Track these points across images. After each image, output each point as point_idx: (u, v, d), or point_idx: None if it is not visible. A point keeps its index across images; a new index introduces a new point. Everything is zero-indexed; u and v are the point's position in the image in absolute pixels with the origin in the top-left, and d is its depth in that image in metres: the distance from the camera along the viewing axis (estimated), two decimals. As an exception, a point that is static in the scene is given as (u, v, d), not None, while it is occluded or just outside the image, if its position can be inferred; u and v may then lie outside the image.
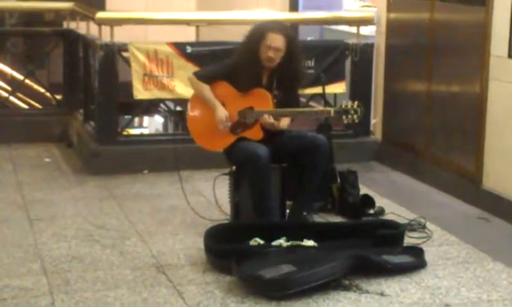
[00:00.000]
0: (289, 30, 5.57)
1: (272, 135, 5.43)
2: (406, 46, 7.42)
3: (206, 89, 5.50)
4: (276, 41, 5.34)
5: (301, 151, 5.44)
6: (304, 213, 5.53)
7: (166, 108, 8.61)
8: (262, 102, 5.43)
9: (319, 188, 5.64)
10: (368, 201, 6.08)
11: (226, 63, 5.56)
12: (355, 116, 5.41)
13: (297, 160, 5.46)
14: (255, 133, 5.43)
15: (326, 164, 5.66)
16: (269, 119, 5.35)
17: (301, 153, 5.44)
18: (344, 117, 5.44)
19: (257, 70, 5.43)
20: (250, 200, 5.38)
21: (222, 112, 5.42)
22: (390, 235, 5.18)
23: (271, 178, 5.37)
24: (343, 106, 5.46)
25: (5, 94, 9.70)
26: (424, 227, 5.67)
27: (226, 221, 5.61)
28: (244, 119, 5.46)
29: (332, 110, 5.58)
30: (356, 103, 5.45)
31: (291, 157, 5.51)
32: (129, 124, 8.00)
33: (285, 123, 5.47)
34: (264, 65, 5.42)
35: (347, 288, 4.57)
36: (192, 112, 5.64)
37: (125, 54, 7.23)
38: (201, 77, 5.56)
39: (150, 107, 8.47)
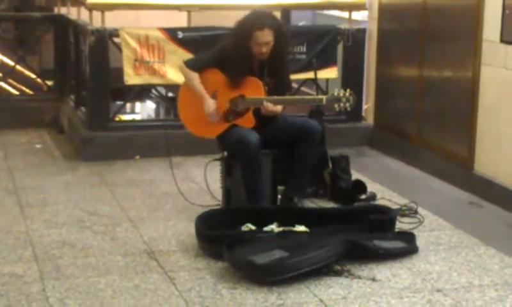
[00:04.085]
0: (273, 16, 5.52)
1: (264, 123, 5.42)
2: (398, 31, 7.40)
3: (196, 79, 5.46)
4: (265, 36, 5.31)
5: (294, 137, 5.44)
6: (295, 199, 5.53)
7: (157, 94, 8.59)
8: (254, 89, 5.42)
9: (313, 172, 5.64)
10: (360, 186, 6.08)
11: (217, 52, 5.52)
12: (347, 104, 5.41)
13: (290, 145, 5.46)
14: (247, 121, 5.42)
15: (318, 149, 5.66)
16: (271, 106, 5.33)
17: (294, 139, 5.43)
18: (336, 105, 5.43)
19: (248, 60, 5.40)
20: (242, 186, 5.38)
21: (210, 105, 5.40)
22: (381, 220, 5.18)
23: (262, 163, 5.37)
24: (335, 94, 5.45)
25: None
26: (415, 212, 5.67)
27: (218, 207, 5.60)
28: (236, 107, 5.44)
29: (324, 98, 5.57)
30: (348, 91, 5.44)
31: (284, 143, 5.50)
32: (121, 110, 7.98)
33: (279, 107, 5.47)
34: (255, 56, 5.39)
35: (338, 274, 4.58)
36: (183, 100, 5.62)
37: (116, 40, 7.20)
38: (191, 65, 5.53)
39: (142, 92, 8.44)
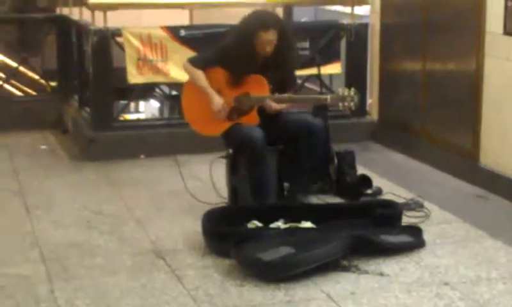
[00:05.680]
0: (276, 17, 5.54)
1: (268, 121, 5.40)
2: (400, 25, 7.39)
3: (201, 77, 5.44)
4: (269, 36, 5.30)
5: (298, 135, 5.43)
6: (301, 195, 5.52)
7: (161, 92, 8.59)
8: (258, 87, 5.40)
9: (317, 170, 5.63)
10: (365, 181, 6.07)
11: (221, 49, 5.50)
12: (351, 103, 5.39)
13: (294, 143, 5.45)
14: (251, 119, 5.41)
15: (323, 147, 5.64)
16: (274, 105, 5.32)
17: (298, 138, 5.42)
18: (340, 104, 5.42)
19: (252, 57, 5.38)
20: (247, 183, 5.38)
21: (218, 102, 5.39)
22: (388, 214, 5.17)
23: (267, 160, 5.36)
24: (340, 93, 5.43)
25: (-1, 82, 9.65)
26: (421, 206, 5.66)
27: (224, 204, 5.60)
28: (240, 105, 5.43)
29: (329, 97, 5.56)
30: (352, 89, 5.41)
31: (288, 141, 5.49)
32: (125, 109, 7.97)
33: (283, 105, 5.45)
34: (259, 53, 5.38)
35: (346, 269, 4.57)
36: (187, 98, 5.61)
37: (118, 39, 7.20)
38: (196, 63, 5.52)
39: (145, 91, 8.43)
